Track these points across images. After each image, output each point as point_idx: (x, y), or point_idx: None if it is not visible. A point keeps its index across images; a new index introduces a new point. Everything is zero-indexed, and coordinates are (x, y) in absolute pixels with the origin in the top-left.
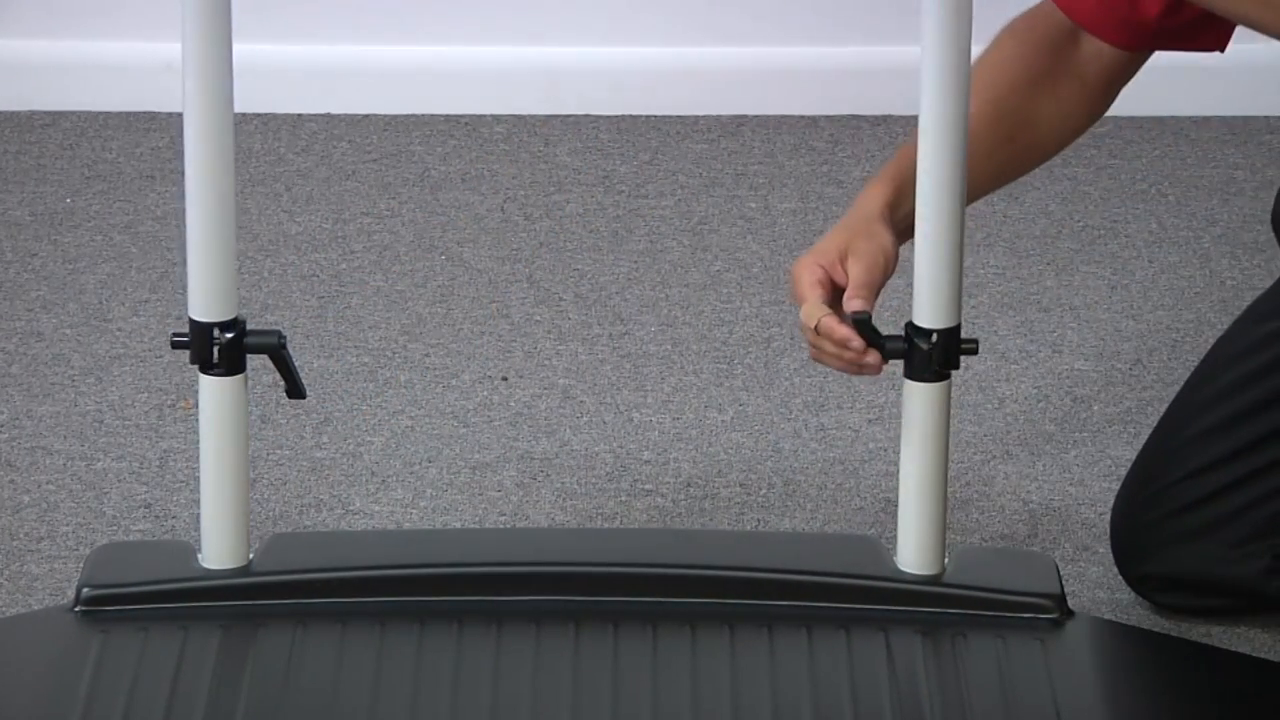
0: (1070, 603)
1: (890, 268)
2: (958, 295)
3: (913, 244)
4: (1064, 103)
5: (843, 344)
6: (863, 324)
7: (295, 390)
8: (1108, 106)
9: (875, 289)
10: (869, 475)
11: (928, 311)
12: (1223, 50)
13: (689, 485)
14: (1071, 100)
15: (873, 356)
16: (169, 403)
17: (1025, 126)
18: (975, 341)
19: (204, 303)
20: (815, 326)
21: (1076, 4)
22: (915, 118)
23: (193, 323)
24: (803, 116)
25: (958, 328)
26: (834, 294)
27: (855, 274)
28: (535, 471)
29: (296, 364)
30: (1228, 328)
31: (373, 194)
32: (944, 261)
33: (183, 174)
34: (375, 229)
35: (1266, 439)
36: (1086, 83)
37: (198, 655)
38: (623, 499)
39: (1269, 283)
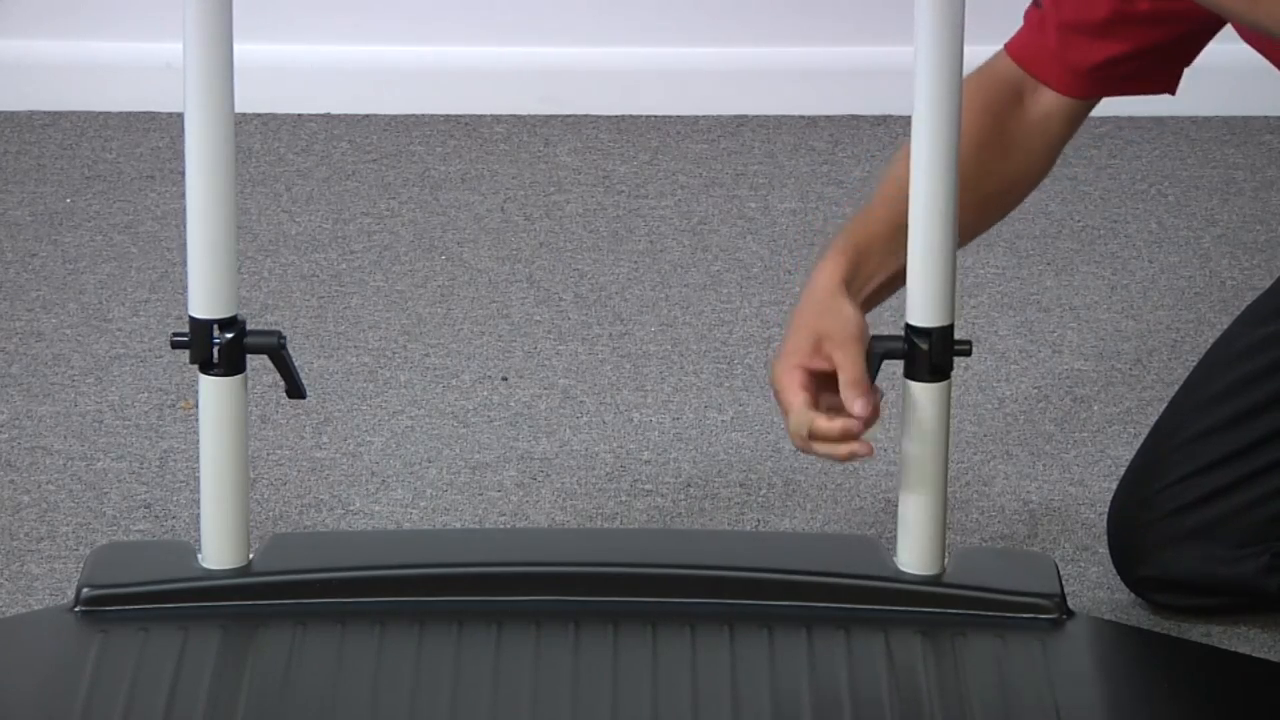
0: (1070, 603)
1: (866, 340)
2: (951, 294)
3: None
4: (1008, 169)
5: (845, 435)
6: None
7: (295, 390)
8: (1049, 170)
9: (865, 369)
10: (869, 475)
11: (920, 310)
12: (1173, 93)
13: (689, 485)
14: (1015, 167)
15: (864, 448)
16: (169, 403)
17: (966, 191)
18: (969, 343)
19: (204, 300)
20: (809, 434)
21: (1026, 50)
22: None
23: (192, 320)
24: (803, 116)
25: (950, 327)
26: (818, 383)
27: (842, 366)
28: (535, 471)
29: (296, 364)
30: (1227, 328)
31: (373, 194)
32: (937, 260)
33: (183, 173)
34: (375, 229)
35: (1266, 440)
36: (1030, 149)
37: (198, 655)
38: (623, 499)
39: (1269, 283)
